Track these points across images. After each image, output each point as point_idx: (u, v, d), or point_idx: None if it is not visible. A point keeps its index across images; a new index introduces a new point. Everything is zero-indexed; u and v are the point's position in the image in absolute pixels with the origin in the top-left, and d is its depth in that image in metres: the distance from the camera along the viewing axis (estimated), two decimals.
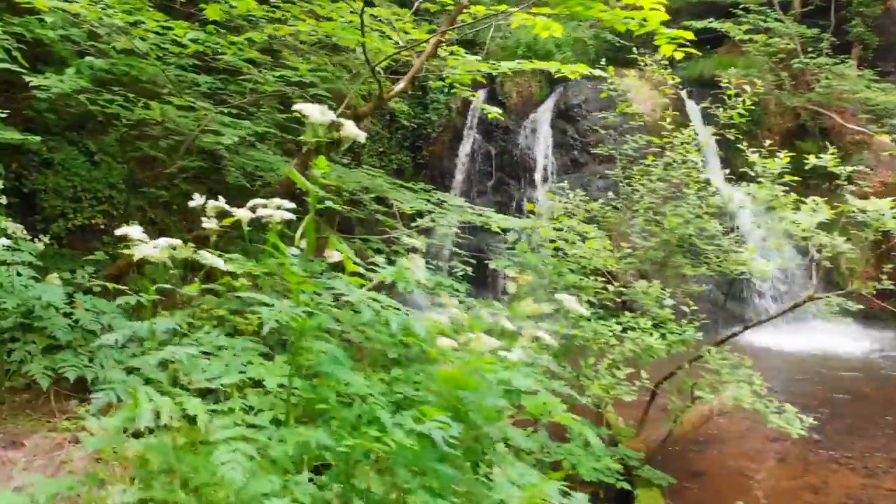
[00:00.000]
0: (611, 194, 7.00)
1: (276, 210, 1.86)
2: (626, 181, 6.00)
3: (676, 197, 5.58)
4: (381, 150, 13.33)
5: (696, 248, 5.56)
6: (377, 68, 4.40)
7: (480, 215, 6.45)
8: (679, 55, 3.85)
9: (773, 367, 7.34)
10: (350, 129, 1.90)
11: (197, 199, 1.88)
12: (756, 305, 9.95)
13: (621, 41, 13.68)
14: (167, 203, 9.13)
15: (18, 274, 3.45)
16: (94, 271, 4.09)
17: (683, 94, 13.49)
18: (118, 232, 1.72)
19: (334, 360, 1.85)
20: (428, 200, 6.68)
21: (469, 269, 5.79)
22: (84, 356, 3.58)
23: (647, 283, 4.92)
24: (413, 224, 7.09)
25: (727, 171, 9.82)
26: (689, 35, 3.73)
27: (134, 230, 1.63)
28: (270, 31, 4.66)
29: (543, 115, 12.66)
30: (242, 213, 1.85)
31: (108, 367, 3.56)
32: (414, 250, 2.21)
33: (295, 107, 1.85)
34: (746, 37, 12.13)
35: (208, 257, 1.89)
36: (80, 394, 3.71)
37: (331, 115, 1.82)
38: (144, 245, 1.68)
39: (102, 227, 8.35)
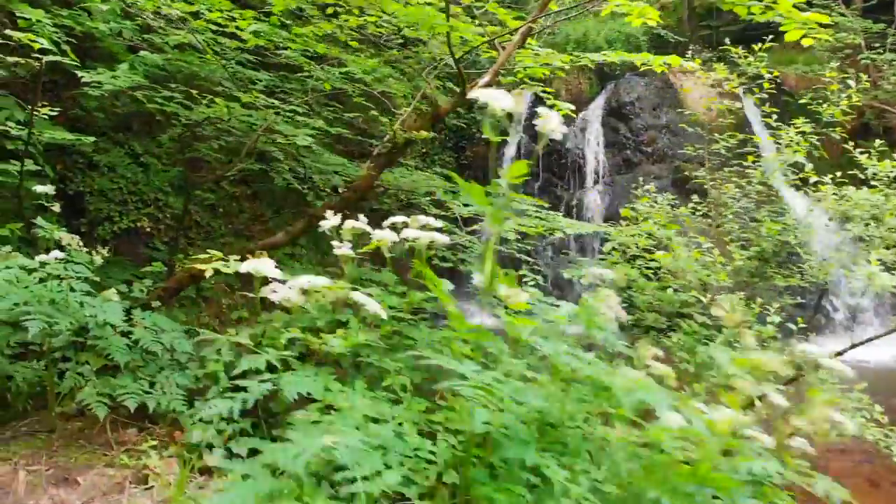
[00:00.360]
0: (668, 195, 6.51)
1: (421, 231, 1.44)
2: (712, 183, 5.52)
3: (771, 201, 5.11)
4: (423, 150, 12.95)
5: (792, 257, 5.09)
6: (445, 60, 4.00)
7: (542, 219, 6.03)
8: (808, 42, 3.38)
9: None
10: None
11: (330, 219, 1.46)
12: (833, 318, 9.37)
13: (675, 37, 13.17)
14: (213, 205, 8.85)
15: (72, 289, 3.11)
16: (152, 284, 3.74)
17: (741, 92, 12.92)
18: (244, 267, 1.30)
19: (520, 442, 1.43)
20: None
21: (540, 278, 5.36)
22: (144, 380, 3.23)
23: (738, 296, 4.47)
24: (468, 230, 6.70)
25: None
26: (824, 18, 3.26)
27: (266, 266, 1.20)
28: (340, 22, 4.28)
29: (594, 113, 12.18)
30: (384, 235, 1.42)
31: (171, 392, 3.20)
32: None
33: (471, 94, 1.43)
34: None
35: (361, 298, 1.47)
36: (139, 421, 3.35)
37: (509, 103, 1.41)
38: (281, 287, 1.24)
39: (149, 230, 8.08)
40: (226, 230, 9.11)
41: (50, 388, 3.39)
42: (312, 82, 4.81)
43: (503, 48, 3.96)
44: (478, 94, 1.39)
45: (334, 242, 1.50)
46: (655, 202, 5.31)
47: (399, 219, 1.47)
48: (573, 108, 6.39)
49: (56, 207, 3.05)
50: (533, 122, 1.63)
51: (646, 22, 4.37)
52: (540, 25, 4.84)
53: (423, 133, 3.72)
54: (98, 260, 3.02)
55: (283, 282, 1.42)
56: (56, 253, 2.87)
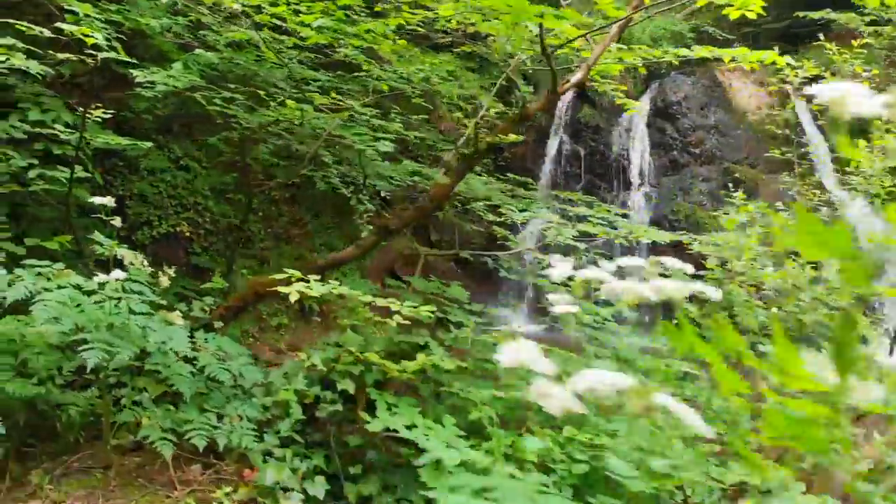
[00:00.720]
0: (759, 202, 6.09)
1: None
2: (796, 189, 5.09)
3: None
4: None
5: None
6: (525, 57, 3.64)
7: (608, 224, 5.65)
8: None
9: None
10: None
11: (556, 266, 1.08)
12: None
13: (722, 34, 12.70)
14: (253, 210, 8.57)
15: (132, 311, 2.79)
16: (213, 302, 3.41)
17: (790, 90, 12.43)
18: (508, 359, 0.87)
19: None
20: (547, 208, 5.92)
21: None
22: (210, 412, 2.90)
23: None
24: (520, 235, 6.34)
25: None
26: None
27: (533, 355, 0.82)
28: (404, 17, 3.94)
29: (641, 112, 11.74)
30: (595, 276, 1.03)
31: (240, 426, 2.87)
32: None
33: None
34: (870, 28, 11.02)
35: (675, 406, 1.09)
36: (204, 456, 3.03)
37: None
38: (557, 390, 0.80)
39: (188, 234, 7.82)
40: (265, 234, 8.84)
41: (105, 419, 3.08)
42: (373, 82, 4.47)
43: (594, 43, 3.59)
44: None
45: (551, 297, 1.12)
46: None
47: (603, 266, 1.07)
48: (643, 105, 5.99)
49: (117, 221, 2.74)
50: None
51: (745, 14, 3.99)
52: (640, 16, 4.45)
53: (512, 136, 3.38)
54: (165, 282, 2.70)
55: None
56: (117, 273, 2.55)
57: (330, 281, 3.08)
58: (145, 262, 2.69)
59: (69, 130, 3.45)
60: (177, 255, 7.49)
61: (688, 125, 11.47)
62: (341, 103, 3.75)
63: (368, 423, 2.93)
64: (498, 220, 6.35)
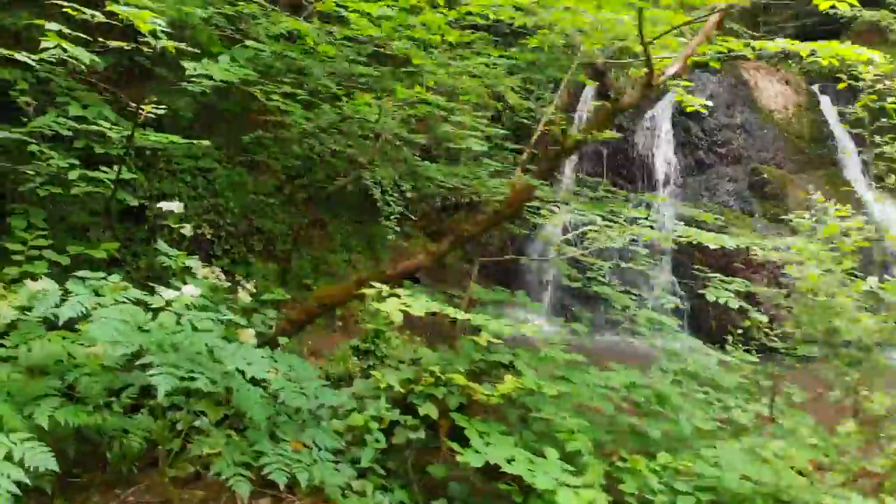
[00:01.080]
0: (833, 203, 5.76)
1: None
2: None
3: None
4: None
5: None
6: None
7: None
8: None
9: None
10: None
11: None
12: None
13: (746, 31, 12.42)
14: (272, 212, 8.26)
15: (195, 328, 2.48)
16: (276, 316, 3.10)
17: (816, 90, 12.16)
18: None
19: None
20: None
21: (679, 302, 4.69)
22: (285, 441, 2.60)
23: None
24: (565, 238, 6.06)
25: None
26: None
27: None
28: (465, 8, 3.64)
29: (663, 111, 11.46)
30: None
31: (319, 458, 2.57)
32: None
33: None
34: None
35: None
36: (273, 488, 2.73)
37: None
38: None
39: (209, 237, 7.52)
40: (287, 237, 8.54)
41: (162, 447, 2.78)
42: (428, 77, 4.17)
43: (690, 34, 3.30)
44: None
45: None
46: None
47: None
48: (708, 103, 5.71)
49: (187, 230, 2.43)
50: None
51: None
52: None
53: (608, 132, 3.10)
54: (245, 297, 2.39)
55: None
56: (190, 289, 2.24)
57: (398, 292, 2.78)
58: (221, 276, 2.38)
59: (117, 128, 3.14)
60: (201, 259, 7.19)
61: (713, 124, 11.20)
62: (440, 100, 3.43)
63: (460, 454, 2.64)
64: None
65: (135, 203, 2.68)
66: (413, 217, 9.75)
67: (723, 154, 11.19)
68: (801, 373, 4.70)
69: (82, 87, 3.76)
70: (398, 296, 2.31)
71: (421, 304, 2.20)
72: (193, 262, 2.41)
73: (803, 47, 4.12)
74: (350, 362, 4.98)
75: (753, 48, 4.17)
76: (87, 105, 3.42)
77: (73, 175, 3.22)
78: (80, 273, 2.57)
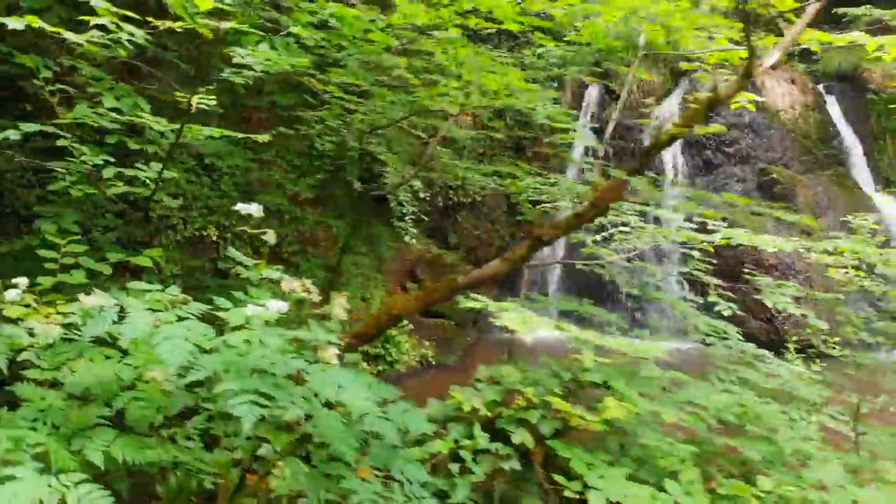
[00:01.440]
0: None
1: None
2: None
3: None
4: (480, 151, 11.99)
5: None
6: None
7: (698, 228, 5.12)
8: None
9: None
10: None
11: None
12: None
13: (752, 29, 12.27)
14: (279, 212, 7.93)
15: (281, 350, 2.16)
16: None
17: (822, 89, 12.06)
18: None
19: None
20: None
21: (734, 306, 4.43)
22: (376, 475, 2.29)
23: None
24: (594, 239, 5.80)
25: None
26: None
27: None
28: None
29: (670, 110, 11.28)
30: None
31: (414, 494, 2.26)
32: None
33: None
34: None
35: None
36: None
37: None
38: None
39: (215, 239, 7.16)
40: (294, 239, 8.20)
41: (223, 482, 2.45)
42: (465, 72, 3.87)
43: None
44: None
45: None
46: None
47: None
48: (760, 99, 5.46)
49: (270, 236, 2.11)
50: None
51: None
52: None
53: (714, 126, 2.84)
54: (341, 314, 2.08)
55: None
56: (277, 304, 1.93)
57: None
58: (312, 289, 2.06)
59: (163, 122, 2.80)
60: (206, 262, 6.84)
61: (721, 124, 11.02)
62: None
63: (567, 488, 2.35)
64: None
65: (175, 205, 2.35)
66: (425, 217, 9.47)
67: (730, 154, 11.04)
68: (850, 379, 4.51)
69: (109, 77, 3.41)
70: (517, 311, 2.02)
71: (547, 322, 1.92)
72: (276, 274, 2.09)
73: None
74: (360, 368, 4.69)
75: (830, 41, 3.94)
76: (120, 96, 3.07)
77: (107, 173, 2.87)
78: (137, 284, 2.23)
